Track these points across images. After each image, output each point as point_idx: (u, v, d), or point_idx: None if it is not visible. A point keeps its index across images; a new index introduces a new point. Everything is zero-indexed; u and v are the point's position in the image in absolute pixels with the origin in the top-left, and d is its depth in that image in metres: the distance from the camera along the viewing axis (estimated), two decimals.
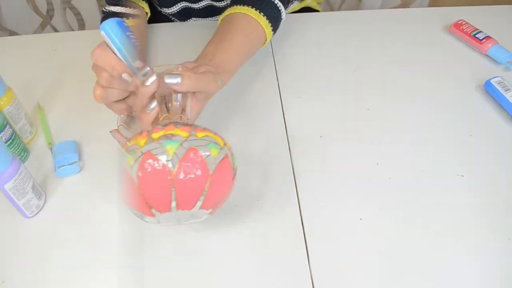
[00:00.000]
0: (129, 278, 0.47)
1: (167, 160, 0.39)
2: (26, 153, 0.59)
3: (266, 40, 0.67)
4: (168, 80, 0.45)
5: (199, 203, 0.41)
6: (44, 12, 1.24)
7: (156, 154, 0.40)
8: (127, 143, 0.43)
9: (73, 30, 1.30)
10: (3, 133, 0.54)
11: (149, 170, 0.40)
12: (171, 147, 0.40)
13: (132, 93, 0.49)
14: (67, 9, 1.25)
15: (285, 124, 0.64)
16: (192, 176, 0.40)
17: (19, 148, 0.57)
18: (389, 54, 0.77)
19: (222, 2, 0.77)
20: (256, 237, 0.51)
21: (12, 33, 1.27)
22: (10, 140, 0.55)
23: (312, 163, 0.58)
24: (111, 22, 0.42)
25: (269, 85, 0.70)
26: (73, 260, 0.49)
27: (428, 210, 0.53)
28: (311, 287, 0.46)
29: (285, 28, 0.78)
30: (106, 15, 0.66)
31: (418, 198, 0.54)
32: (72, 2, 1.23)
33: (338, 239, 0.50)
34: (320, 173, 0.57)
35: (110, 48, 0.43)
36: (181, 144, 0.40)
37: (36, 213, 0.53)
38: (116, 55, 0.43)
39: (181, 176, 0.40)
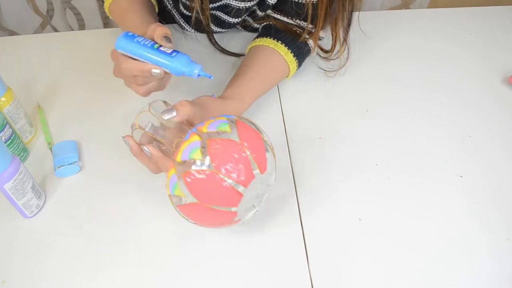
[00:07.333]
0: (129, 277, 0.47)
1: (202, 164, 0.41)
2: (26, 153, 0.59)
3: (289, 73, 0.69)
4: (166, 117, 0.48)
5: (256, 170, 0.43)
6: (44, 12, 1.24)
7: (191, 168, 0.41)
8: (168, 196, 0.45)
9: (73, 30, 1.30)
10: (2, 133, 0.54)
11: (197, 176, 0.41)
12: (196, 153, 0.42)
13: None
14: (67, 9, 1.25)
15: (284, 125, 0.64)
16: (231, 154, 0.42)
17: (19, 148, 0.57)
18: (388, 54, 0.77)
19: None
20: (255, 238, 0.51)
21: (12, 33, 1.27)
22: (10, 140, 0.55)
23: (311, 164, 0.58)
24: (119, 39, 0.49)
25: None
26: (72, 260, 0.49)
27: (427, 210, 0.53)
28: (310, 287, 0.47)
29: None
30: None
31: (417, 198, 0.55)
32: (72, 2, 1.23)
33: (337, 239, 0.50)
34: (319, 174, 0.57)
35: (130, 57, 0.50)
36: (202, 146, 0.42)
37: (36, 213, 0.53)
38: (137, 60, 0.49)
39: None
